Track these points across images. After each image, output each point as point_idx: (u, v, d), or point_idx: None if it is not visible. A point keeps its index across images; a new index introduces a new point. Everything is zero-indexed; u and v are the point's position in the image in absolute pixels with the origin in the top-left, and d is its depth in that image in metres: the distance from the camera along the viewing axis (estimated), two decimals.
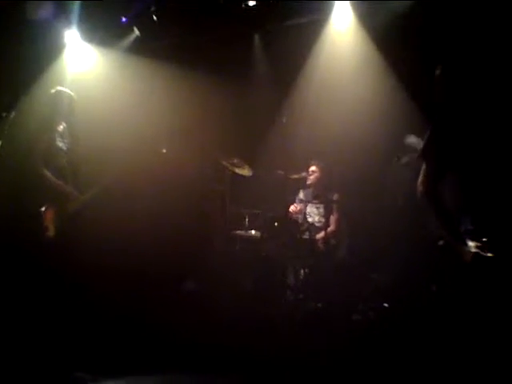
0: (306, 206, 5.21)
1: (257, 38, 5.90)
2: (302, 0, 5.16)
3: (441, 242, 2.64)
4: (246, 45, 5.88)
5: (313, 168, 5.16)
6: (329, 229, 4.97)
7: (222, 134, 5.85)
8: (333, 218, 5.08)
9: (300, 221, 5.17)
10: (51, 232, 4.23)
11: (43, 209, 4.23)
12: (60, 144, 4.37)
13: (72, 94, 4.54)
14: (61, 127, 4.41)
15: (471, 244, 2.47)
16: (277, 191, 4.92)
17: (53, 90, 4.47)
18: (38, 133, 4.29)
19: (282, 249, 4.66)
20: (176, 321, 4.43)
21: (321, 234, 4.96)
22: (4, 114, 3.96)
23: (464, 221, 2.57)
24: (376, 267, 5.00)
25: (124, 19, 5.62)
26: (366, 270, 4.96)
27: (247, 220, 5.24)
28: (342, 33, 5.35)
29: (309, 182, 5.18)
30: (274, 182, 4.93)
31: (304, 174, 5.04)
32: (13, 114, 3.91)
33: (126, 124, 5.31)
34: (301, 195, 5.28)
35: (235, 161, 5.14)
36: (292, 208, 5.18)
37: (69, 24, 5.43)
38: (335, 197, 5.06)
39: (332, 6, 5.17)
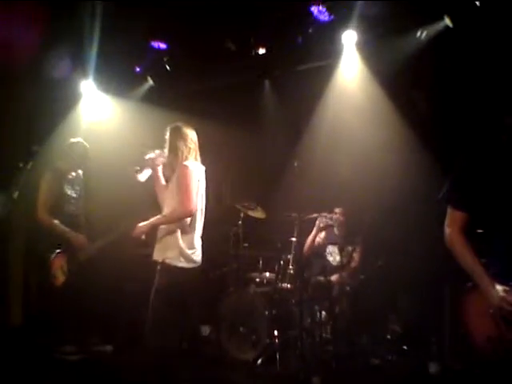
0: (327, 245, 5.19)
1: (267, 83, 6.04)
2: (310, 46, 5.29)
3: (469, 284, 2.60)
4: (257, 91, 6.01)
5: (337, 210, 5.16)
6: (352, 265, 4.93)
7: (235, 177, 5.91)
8: (356, 256, 5.05)
9: (315, 262, 5.14)
10: (59, 279, 4.29)
11: (53, 256, 4.27)
12: (69, 191, 4.50)
13: (85, 143, 4.68)
14: (72, 174, 4.56)
15: (499, 288, 2.45)
16: (290, 233, 4.91)
17: (67, 143, 4.64)
18: (49, 182, 4.44)
19: (297, 291, 4.60)
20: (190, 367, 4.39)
21: (337, 276, 4.91)
22: (21, 164, 4.05)
23: (491, 263, 2.55)
24: (395, 310, 4.93)
25: (138, 69, 5.81)
26: (383, 313, 4.89)
27: (261, 262, 5.22)
28: (351, 77, 5.45)
29: (333, 223, 5.16)
30: (287, 225, 4.93)
31: (317, 215, 5.02)
32: (30, 164, 3.99)
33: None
34: (322, 235, 5.25)
35: (247, 204, 5.16)
36: (307, 246, 5.17)
37: (85, 75, 5.62)
38: (358, 239, 5.06)
39: (340, 51, 5.28)
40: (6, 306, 4.50)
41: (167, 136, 3.53)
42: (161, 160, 3.54)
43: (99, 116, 5.76)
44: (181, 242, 3.30)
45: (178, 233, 3.31)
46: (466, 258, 2.56)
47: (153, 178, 3.55)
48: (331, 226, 5.20)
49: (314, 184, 5.33)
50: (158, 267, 3.32)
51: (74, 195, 4.55)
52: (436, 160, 4.75)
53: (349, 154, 5.38)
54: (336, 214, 5.14)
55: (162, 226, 3.36)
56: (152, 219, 3.39)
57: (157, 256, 3.35)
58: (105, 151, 5.14)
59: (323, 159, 5.48)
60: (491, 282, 2.47)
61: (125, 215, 4.35)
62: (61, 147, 4.65)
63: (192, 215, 3.33)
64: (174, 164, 3.45)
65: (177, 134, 3.51)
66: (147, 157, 3.52)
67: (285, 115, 5.90)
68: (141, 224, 3.39)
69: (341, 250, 4.90)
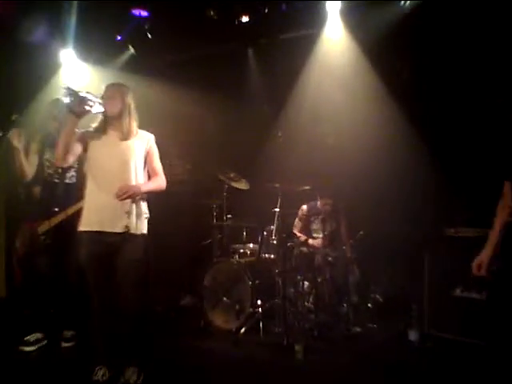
0: (310, 221, 5.22)
1: (251, 52, 5.96)
2: (294, 14, 5.21)
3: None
4: (241, 59, 5.93)
5: (322, 202, 5.16)
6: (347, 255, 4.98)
7: (218, 148, 5.88)
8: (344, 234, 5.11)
9: (299, 234, 5.19)
10: (28, 248, 4.08)
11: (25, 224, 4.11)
12: (50, 156, 4.12)
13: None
14: (55, 136, 4.10)
15: None
16: (273, 204, 4.92)
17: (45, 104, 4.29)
18: (29, 148, 4.14)
19: (280, 261, 4.65)
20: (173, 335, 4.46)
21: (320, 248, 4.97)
22: (0, 133, 3.97)
23: None
24: (376, 279, 5.02)
25: (119, 37, 5.68)
26: (365, 282, 4.97)
27: (245, 234, 5.25)
28: (335, 46, 5.39)
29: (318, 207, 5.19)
30: (270, 195, 4.94)
31: (305, 187, 5.03)
32: (9, 133, 3.92)
33: None
34: (304, 208, 5.27)
35: (232, 175, 5.15)
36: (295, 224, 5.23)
37: (64, 43, 5.49)
38: (342, 220, 5.10)
39: (324, 19, 5.22)
40: None
41: (127, 97, 3.36)
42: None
43: (79, 85, 5.64)
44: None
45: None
46: None
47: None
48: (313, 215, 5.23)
49: (297, 154, 5.33)
50: (138, 237, 3.28)
51: (52, 159, 4.07)
52: (419, 130, 4.78)
53: (332, 124, 5.37)
54: (324, 204, 5.13)
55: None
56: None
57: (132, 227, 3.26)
58: (86, 120, 5.05)
59: (306, 129, 5.47)
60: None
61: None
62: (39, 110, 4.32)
63: None
64: (131, 129, 3.34)
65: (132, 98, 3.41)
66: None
67: (268, 85, 5.85)
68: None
69: (324, 222, 4.97)
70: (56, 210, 4.05)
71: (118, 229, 3.21)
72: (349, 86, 5.24)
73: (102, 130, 3.33)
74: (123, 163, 3.28)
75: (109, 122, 3.33)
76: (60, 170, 4.10)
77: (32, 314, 4.05)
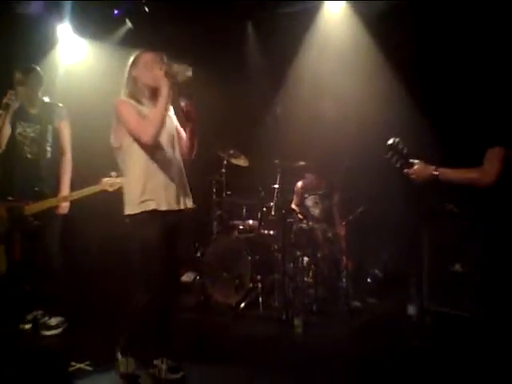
0: (305, 198, 5.22)
1: (250, 26, 5.88)
2: None
3: None
4: (239, 34, 5.85)
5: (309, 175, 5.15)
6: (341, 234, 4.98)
7: (217, 124, 5.83)
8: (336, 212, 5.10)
9: (298, 210, 5.18)
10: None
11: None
12: (23, 131, 3.96)
13: (39, 70, 4.07)
14: (29, 111, 4.00)
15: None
16: (273, 181, 4.91)
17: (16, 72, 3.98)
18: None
19: (280, 237, 4.66)
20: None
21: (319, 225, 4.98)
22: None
23: None
24: (374, 253, 5.04)
25: (116, 12, 5.60)
26: (364, 257, 4.99)
27: (244, 210, 5.25)
28: (336, 20, 5.33)
29: (305, 176, 5.19)
30: (269, 172, 4.92)
31: (301, 163, 5.02)
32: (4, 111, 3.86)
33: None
34: (299, 185, 5.27)
35: (231, 151, 5.13)
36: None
37: (61, 18, 5.40)
38: (336, 197, 5.10)
39: None
40: None
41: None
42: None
43: (76, 60, 5.59)
44: None
45: None
46: None
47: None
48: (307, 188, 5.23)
49: (296, 130, 5.29)
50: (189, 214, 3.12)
51: (32, 135, 3.97)
52: (421, 105, 4.73)
53: (332, 99, 5.31)
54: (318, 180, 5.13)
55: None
56: None
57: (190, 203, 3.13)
58: (83, 96, 5.01)
59: (306, 105, 5.42)
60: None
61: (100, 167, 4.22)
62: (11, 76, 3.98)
63: None
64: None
65: None
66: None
67: (268, 60, 5.78)
68: None
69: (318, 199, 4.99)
70: (36, 189, 3.92)
71: (182, 205, 3.05)
72: (349, 60, 5.18)
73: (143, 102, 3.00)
74: (172, 137, 3.08)
75: (152, 93, 2.99)
76: (36, 147, 3.98)
77: (32, 290, 4.06)
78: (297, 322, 4.05)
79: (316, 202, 5.17)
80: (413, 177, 2.89)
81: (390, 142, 2.91)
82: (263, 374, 3.27)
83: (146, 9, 5.48)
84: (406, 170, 2.86)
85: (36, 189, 3.93)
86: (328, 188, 5.11)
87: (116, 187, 3.86)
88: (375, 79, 5.04)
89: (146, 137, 2.85)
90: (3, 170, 4.01)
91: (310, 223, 4.94)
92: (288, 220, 4.79)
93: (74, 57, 5.59)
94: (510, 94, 2.83)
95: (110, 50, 5.50)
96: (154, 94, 2.94)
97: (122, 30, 5.68)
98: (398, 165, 2.88)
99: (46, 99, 4.13)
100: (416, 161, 2.91)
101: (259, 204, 4.99)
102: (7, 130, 3.95)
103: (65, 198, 4.00)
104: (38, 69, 4.11)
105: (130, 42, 5.63)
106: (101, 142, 4.94)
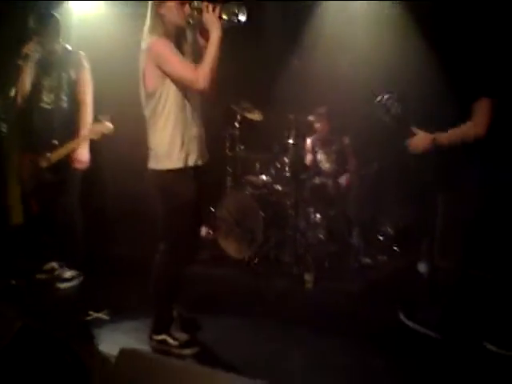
0: (316, 153, 5.19)
1: None
2: None
3: None
4: None
5: (320, 112, 5.06)
6: (348, 174, 4.96)
7: (231, 78, 5.73)
8: (351, 162, 5.07)
9: (310, 165, 5.17)
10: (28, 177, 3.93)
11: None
12: (42, 79, 3.86)
13: (56, 15, 3.93)
14: (46, 58, 3.87)
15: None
16: (287, 136, 4.86)
17: (31, 19, 3.81)
18: (21, 71, 3.83)
19: (293, 193, 4.67)
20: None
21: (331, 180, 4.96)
22: (19, 62, 3.83)
23: None
24: (386, 211, 5.04)
25: None
26: (376, 214, 5.00)
27: (258, 165, 5.23)
28: None
29: (316, 128, 5.12)
30: (284, 126, 4.87)
31: (311, 117, 4.96)
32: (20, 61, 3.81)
33: (134, 66, 5.20)
34: (308, 142, 5.23)
35: (245, 105, 5.07)
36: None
37: None
38: (346, 140, 5.04)
39: None
40: (6, 206, 4.52)
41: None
42: None
43: (90, 9, 5.46)
44: None
45: None
46: None
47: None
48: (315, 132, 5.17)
49: (312, 84, 5.20)
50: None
51: (49, 83, 3.87)
52: (440, 61, 4.59)
53: (350, 54, 5.19)
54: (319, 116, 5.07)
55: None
56: None
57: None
58: (97, 45, 4.91)
59: (323, 59, 5.29)
60: None
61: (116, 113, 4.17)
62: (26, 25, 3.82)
63: None
64: None
65: None
66: None
67: (285, 13, 5.62)
68: None
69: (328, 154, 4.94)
70: (55, 142, 3.87)
71: (205, 159, 2.97)
72: (369, 17, 5.03)
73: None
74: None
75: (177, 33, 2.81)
76: (53, 96, 3.88)
77: (50, 242, 4.12)
78: (307, 277, 4.10)
79: (328, 156, 5.13)
80: (412, 148, 2.98)
81: (378, 98, 2.90)
82: (274, 328, 3.35)
83: None
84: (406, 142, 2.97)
85: (54, 141, 3.88)
86: (339, 135, 5.06)
87: (100, 134, 3.83)
88: (394, 34, 4.90)
89: (201, 83, 2.65)
90: (24, 120, 3.94)
91: (323, 179, 4.93)
92: (301, 176, 4.79)
93: (88, 5, 5.45)
94: (490, 44, 2.87)
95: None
96: (178, 35, 2.79)
97: None
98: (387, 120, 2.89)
99: (68, 47, 3.99)
100: (418, 131, 2.91)
101: (273, 159, 4.96)
102: (27, 80, 3.88)
103: (50, 157, 3.87)
104: (56, 15, 3.96)
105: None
106: (116, 90, 4.99)
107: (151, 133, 2.84)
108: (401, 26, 4.89)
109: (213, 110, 5.42)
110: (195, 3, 2.72)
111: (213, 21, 2.65)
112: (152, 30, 2.74)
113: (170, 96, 2.75)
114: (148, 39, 2.73)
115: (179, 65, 2.69)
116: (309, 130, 5.14)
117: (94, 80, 4.09)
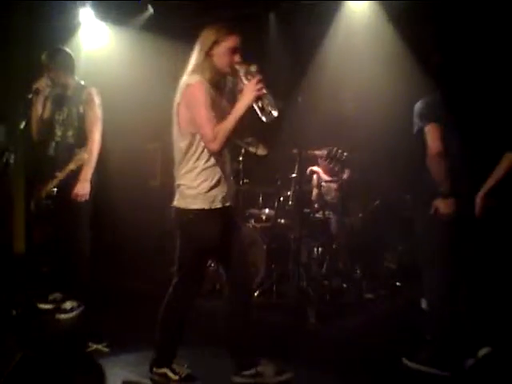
0: (321, 184, 5.22)
1: (272, 16, 5.84)
2: None
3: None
4: (262, 23, 5.82)
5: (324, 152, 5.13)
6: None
7: None
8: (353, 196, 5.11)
9: (314, 200, 5.19)
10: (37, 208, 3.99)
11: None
12: (53, 113, 3.95)
13: (68, 51, 4.05)
14: (57, 92, 3.97)
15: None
16: (291, 170, 4.91)
17: (43, 54, 3.95)
18: (33, 106, 3.93)
19: (296, 227, 4.68)
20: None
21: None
22: (29, 96, 3.90)
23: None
24: (390, 246, 5.04)
25: None
26: (379, 250, 5.00)
27: (261, 199, 5.27)
28: (359, 12, 5.28)
29: (320, 163, 5.19)
30: (288, 161, 4.93)
31: (318, 152, 5.02)
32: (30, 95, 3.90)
33: (141, 102, 5.32)
34: (312, 177, 5.28)
35: (249, 140, 5.13)
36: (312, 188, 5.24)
37: (83, 3, 5.43)
38: (349, 175, 5.08)
39: None
40: (9, 234, 4.55)
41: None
42: None
43: (98, 45, 5.62)
44: None
45: None
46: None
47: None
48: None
49: (316, 120, 5.28)
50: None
51: (60, 118, 3.96)
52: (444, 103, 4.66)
53: (353, 92, 5.29)
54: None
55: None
56: None
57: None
58: (103, 81, 5.03)
59: (327, 96, 5.40)
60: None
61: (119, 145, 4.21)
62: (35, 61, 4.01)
63: None
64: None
65: None
66: None
67: (290, 50, 5.76)
68: None
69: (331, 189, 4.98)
70: (58, 173, 3.92)
71: (233, 200, 2.92)
72: (371, 52, 5.14)
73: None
74: None
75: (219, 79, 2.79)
76: (63, 130, 3.96)
77: (50, 272, 4.12)
78: (310, 311, 4.08)
79: (331, 190, 5.17)
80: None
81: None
82: (274, 363, 3.30)
83: None
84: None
85: (57, 173, 3.92)
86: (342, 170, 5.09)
87: (78, 164, 3.83)
88: (398, 73, 5.00)
89: (215, 145, 2.61)
90: (35, 153, 4.03)
91: (327, 213, 4.95)
92: (305, 210, 4.81)
93: (96, 41, 5.62)
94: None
95: (132, 36, 5.53)
96: (220, 82, 2.76)
97: (145, 15, 5.68)
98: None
99: (81, 82, 4.07)
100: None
101: (276, 193, 5.00)
102: (38, 114, 3.96)
103: (51, 184, 3.94)
104: (67, 50, 4.07)
105: (152, 27, 5.66)
106: (123, 125, 5.09)
107: (179, 170, 2.79)
108: (404, 63, 4.99)
109: None
110: (253, 67, 2.69)
111: (250, 91, 2.59)
112: (197, 69, 2.70)
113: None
114: (188, 77, 2.70)
115: (203, 117, 2.62)
116: (312, 164, 5.19)
117: (103, 114, 4.14)
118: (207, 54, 2.69)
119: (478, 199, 2.99)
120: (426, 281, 3.34)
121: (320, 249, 4.76)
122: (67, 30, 5.51)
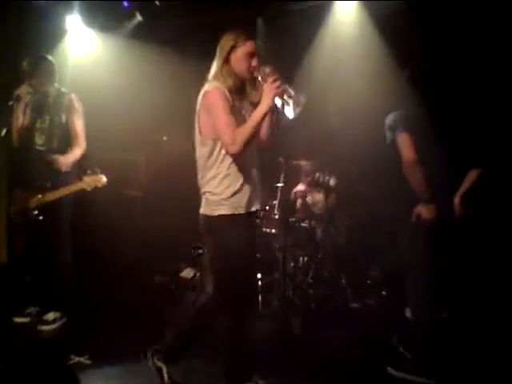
0: (307, 194, 5.23)
1: (260, 21, 5.83)
2: None
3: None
4: (250, 28, 5.80)
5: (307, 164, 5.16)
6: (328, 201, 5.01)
7: None
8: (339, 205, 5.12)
9: (299, 209, 5.19)
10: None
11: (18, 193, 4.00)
12: (34, 121, 3.91)
13: (50, 58, 4.03)
14: (38, 99, 3.94)
15: None
16: (276, 179, 4.91)
17: (25, 61, 3.93)
18: (14, 113, 3.93)
19: (281, 236, 4.68)
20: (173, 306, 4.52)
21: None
22: (10, 103, 3.89)
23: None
24: (375, 255, 5.04)
25: (126, 4, 5.59)
26: (365, 259, 5.00)
27: None
28: (347, 17, 5.29)
29: (306, 172, 5.20)
30: (274, 169, 4.92)
31: (304, 162, 5.04)
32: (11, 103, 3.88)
33: (128, 110, 5.29)
34: (298, 186, 5.28)
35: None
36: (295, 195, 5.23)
37: (70, 9, 5.40)
38: (332, 182, 5.09)
39: None
40: None
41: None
42: None
43: (85, 52, 5.59)
44: None
45: None
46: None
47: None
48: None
49: (302, 130, 5.28)
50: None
51: (42, 126, 3.92)
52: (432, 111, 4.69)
53: (340, 101, 5.30)
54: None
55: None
56: None
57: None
58: (90, 88, 5.01)
59: (313, 106, 5.37)
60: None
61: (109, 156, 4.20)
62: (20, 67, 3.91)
63: None
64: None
65: None
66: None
67: (276, 56, 5.74)
68: None
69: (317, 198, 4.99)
70: (48, 184, 3.89)
71: (259, 204, 2.91)
72: (360, 60, 5.14)
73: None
74: None
75: (239, 85, 2.78)
76: (44, 138, 3.93)
77: (32, 281, 4.07)
78: (295, 321, 4.07)
79: (317, 199, 5.18)
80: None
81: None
82: (259, 373, 3.29)
83: (157, 2, 5.47)
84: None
85: (47, 184, 3.90)
86: (328, 179, 5.11)
87: (93, 185, 3.83)
88: (384, 79, 5.00)
89: (234, 148, 2.60)
90: (16, 160, 3.99)
91: (312, 222, 4.96)
92: (290, 219, 4.81)
93: (83, 48, 5.59)
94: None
95: (119, 43, 5.51)
96: (240, 87, 2.76)
97: (132, 23, 5.66)
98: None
99: (63, 89, 4.05)
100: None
101: (262, 202, 4.98)
102: (19, 122, 3.95)
103: (41, 198, 3.89)
104: (49, 58, 4.05)
105: (140, 34, 5.64)
106: (108, 134, 5.06)
107: (203, 177, 2.78)
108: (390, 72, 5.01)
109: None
110: (268, 70, 2.69)
111: (268, 91, 2.59)
112: (216, 75, 2.72)
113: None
114: (207, 85, 2.71)
115: (223, 121, 2.62)
116: (298, 173, 5.20)
117: (88, 122, 4.15)
118: (225, 61, 2.72)
119: (456, 200, 3.28)
120: (410, 289, 3.36)
121: (305, 258, 4.75)
122: (54, 37, 5.47)
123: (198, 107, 2.74)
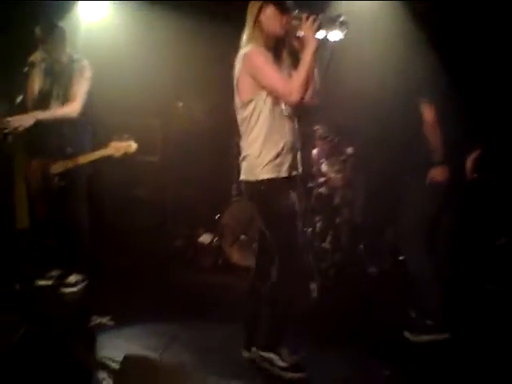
0: (321, 164, 5.18)
1: None
2: None
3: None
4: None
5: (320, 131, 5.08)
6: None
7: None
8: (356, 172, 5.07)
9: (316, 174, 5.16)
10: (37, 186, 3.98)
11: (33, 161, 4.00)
12: (47, 87, 3.90)
13: (62, 27, 4.00)
14: (51, 66, 3.92)
15: None
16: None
17: (36, 29, 3.89)
18: (29, 79, 3.93)
19: (300, 202, 4.65)
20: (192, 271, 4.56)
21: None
22: (25, 69, 3.88)
23: None
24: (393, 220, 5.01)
25: None
26: (382, 224, 4.98)
27: None
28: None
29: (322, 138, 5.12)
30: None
31: (317, 126, 4.97)
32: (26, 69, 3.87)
33: (142, 75, 5.24)
34: (314, 152, 5.22)
35: None
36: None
37: None
38: (350, 150, 5.02)
39: None
40: (12, 210, 4.55)
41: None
42: None
43: (98, 18, 5.50)
44: None
45: None
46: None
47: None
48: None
49: (318, 95, 5.19)
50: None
51: (55, 92, 3.91)
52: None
53: (357, 66, 5.18)
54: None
55: None
56: None
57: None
58: (106, 55, 4.96)
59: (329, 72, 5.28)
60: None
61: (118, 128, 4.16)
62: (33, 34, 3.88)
63: None
64: None
65: None
66: None
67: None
68: None
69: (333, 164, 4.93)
70: (69, 149, 3.89)
71: (299, 169, 2.87)
72: (376, 34, 5.03)
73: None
74: None
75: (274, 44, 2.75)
76: (60, 104, 3.90)
77: (54, 245, 4.12)
78: (312, 286, 4.08)
79: (333, 166, 5.12)
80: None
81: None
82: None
83: None
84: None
85: (69, 149, 3.90)
86: (344, 146, 5.05)
87: (121, 152, 3.82)
88: (399, 47, 4.88)
89: (294, 96, 2.57)
90: (35, 128, 3.92)
91: (330, 188, 4.92)
92: (308, 185, 4.78)
93: (96, 14, 5.49)
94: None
95: (132, 8, 5.40)
96: (276, 50, 2.73)
97: None
98: None
99: (76, 56, 4.02)
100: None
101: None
102: (35, 88, 3.94)
103: (65, 164, 3.89)
104: (61, 25, 4.03)
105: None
106: (123, 99, 5.02)
107: (244, 141, 2.78)
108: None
109: (218, 119, 5.50)
110: (296, 13, 2.64)
111: (310, 32, 2.57)
112: (250, 38, 2.69)
113: (264, 107, 2.67)
114: (245, 47, 2.68)
115: (273, 77, 2.61)
116: (315, 140, 5.14)
117: (100, 89, 4.11)
118: (256, 22, 2.67)
119: (468, 165, 3.43)
120: (408, 245, 3.50)
121: (323, 223, 4.73)
122: (66, 4, 5.39)
123: (236, 72, 2.70)
